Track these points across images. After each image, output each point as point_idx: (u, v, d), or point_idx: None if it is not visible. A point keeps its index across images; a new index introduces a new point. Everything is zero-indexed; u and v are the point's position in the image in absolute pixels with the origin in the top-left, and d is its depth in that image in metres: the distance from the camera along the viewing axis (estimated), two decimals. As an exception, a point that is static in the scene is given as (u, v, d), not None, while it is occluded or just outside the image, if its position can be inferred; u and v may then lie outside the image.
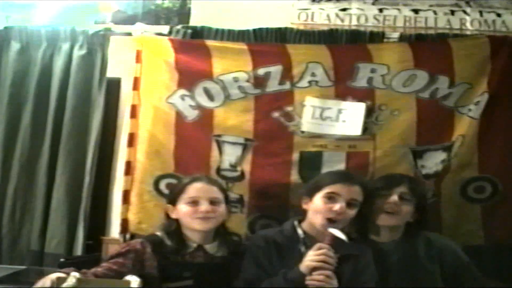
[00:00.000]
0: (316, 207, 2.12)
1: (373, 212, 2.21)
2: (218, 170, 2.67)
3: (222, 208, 2.16)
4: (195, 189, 2.15)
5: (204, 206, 2.11)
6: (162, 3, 2.95)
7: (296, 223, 2.19)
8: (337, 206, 2.08)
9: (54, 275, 1.83)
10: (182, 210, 2.13)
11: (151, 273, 2.03)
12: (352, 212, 2.12)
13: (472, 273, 2.20)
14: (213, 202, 2.13)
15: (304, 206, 2.19)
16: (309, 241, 2.12)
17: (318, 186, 2.16)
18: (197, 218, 2.10)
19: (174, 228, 2.14)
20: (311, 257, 1.94)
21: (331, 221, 2.07)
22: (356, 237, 2.17)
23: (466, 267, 2.20)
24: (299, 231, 2.15)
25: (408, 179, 2.30)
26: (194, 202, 2.12)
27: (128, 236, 2.71)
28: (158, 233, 2.17)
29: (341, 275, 2.00)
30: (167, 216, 2.20)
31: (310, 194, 2.17)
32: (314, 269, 1.91)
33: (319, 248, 1.95)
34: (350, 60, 2.63)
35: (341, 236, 1.98)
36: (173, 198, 2.19)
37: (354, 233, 2.18)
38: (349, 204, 2.10)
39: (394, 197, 2.19)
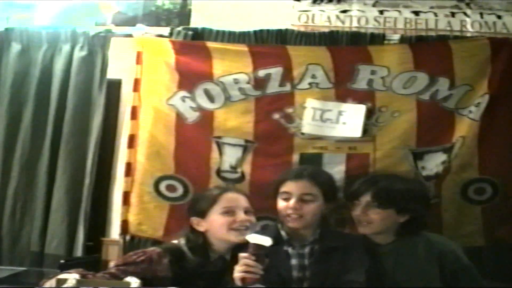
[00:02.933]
0: (278, 208, 2.21)
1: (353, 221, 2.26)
2: (218, 171, 2.67)
3: (254, 218, 2.11)
4: (229, 199, 2.09)
5: (241, 216, 2.05)
6: (162, 5, 2.95)
7: (279, 225, 2.24)
8: (290, 203, 2.16)
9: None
10: (216, 221, 2.05)
11: (163, 284, 1.95)
12: (311, 206, 2.16)
13: (472, 275, 2.19)
14: (246, 211, 2.08)
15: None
16: (294, 241, 2.17)
17: (275, 188, 2.25)
18: (233, 229, 2.03)
19: (201, 242, 2.05)
20: (236, 269, 1.90)
21: (289, 217, 2.14)
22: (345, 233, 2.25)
23: (466, 269, 2.19)
24: (283, 233, 2.20)
25: (372, 186, 2.23)
26: (230, 212, 2.05)
27: (128, 237, 2.72)
28: (178, 242, 2.09)
29: (328, 267, 2.05)
30: (191, 229, 2.09)
31: (274, 197, 2.25)
32: (243, 279, 1.88)
33: (241, 259, 1.90)
34: (350, 62, 2.63)
35: (261, 241, 1.91)
36: (201, 211, 2.09)
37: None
38: (302, 199, 2.16)
39: (358, 211, 2.22)
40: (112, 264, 2.06)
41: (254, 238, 1.91)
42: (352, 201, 2.26)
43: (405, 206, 2.20)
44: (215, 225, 2.05)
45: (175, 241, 2.11)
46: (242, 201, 2.11)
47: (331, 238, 2.16)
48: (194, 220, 2.10)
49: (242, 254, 1.90)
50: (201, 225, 2.08)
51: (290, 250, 2.15)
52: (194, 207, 2.16)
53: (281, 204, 2.20)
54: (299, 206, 2.14)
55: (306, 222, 2.15)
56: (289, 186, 2.20)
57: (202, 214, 2.09)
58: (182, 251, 2.04)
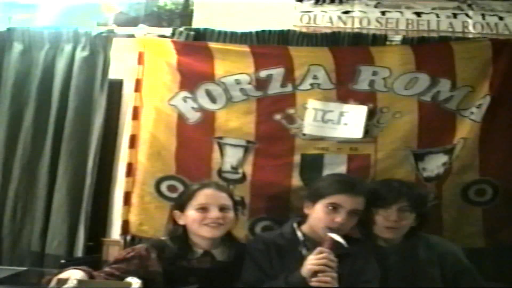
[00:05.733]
0: (318, 215, 2.13)
1: (374, 224, 2.22)
2: (220, 172, 2.67)
3: (231, 215, 2.15)
4: (204, 195, 2.13)
5: (213, 213, 2.09)
6: (164, 5, 2.95)
7: (295, 225, 2.20)
8: (338, 218, 2.08)
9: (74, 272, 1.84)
10: (190, 216, 2.11)
11: (155, 278, 2.01)
12: (353, 221, 2.13)
13: (473, 276, 2.20)
14: (222, 208, 2.12)
15: (306, 211, 2.20)
16: (310, 243, 2.13)
17: (321, 194, 2.15)
18: (205, 224, 2.08)
19: (179, 234, 2.12)
20: (312, 261, 1.95)
21: (331, 229, 2.07)
22: (354, 237, 2.19)
23: (466, 270, 2.20)
24: (299, 234, 2.17)
25: (407, 190, 2.24)
26: (204, 209, 2.10)
27: (129, 237, 2.71)
28: (164, 238, 2.15)
29: (339, 273, 2.01)
30: (174, 221, 2.17)
31: (313, 200, 2.17)
32: (315, 272, 1.92)
33: (320, 252, 1.96)
34: (352, 63, 2.63)
35: (341, 240, 2.00)
36: (181, 204, 2.16)
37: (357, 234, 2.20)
38: (351, 214, 2.11)
39: (393, 215, 2.18)
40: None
41: (336, 237, 1.99)
42: (380, 208, 2.20)
43: (423, 210, 2.24)
44: (190, 219, 2.11)
45: (162, 238, 2.17)
46: (220, 198, 2.14)
47: (343, 246, 2.08)
48: (176, 213, 2.17)
49: (322, 248, 1.96)
50: (181, 219, 2.15)
51: (304, 251, 2.12)
52: (177, 200, 2.24)
53: (322, 213, 2.10)
54: (346, 221, 2.09)
55: (342, 233, 2.09)
56: (342, 199, 2.09)
57: (181, 208, 2.15)
58: (165, 244, 2.11)
